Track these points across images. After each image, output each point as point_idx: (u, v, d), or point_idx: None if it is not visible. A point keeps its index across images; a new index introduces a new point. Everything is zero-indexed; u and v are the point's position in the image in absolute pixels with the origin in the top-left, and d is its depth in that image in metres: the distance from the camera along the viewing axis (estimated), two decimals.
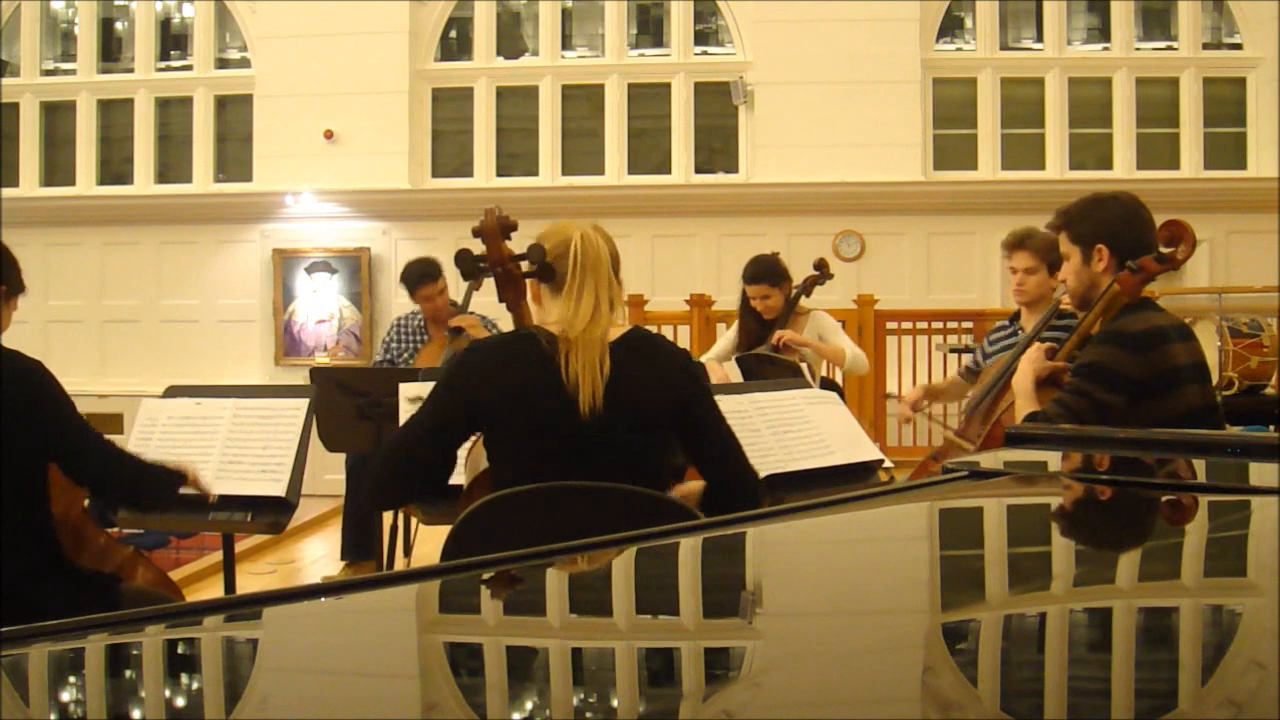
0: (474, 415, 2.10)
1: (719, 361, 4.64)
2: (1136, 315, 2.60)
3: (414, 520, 4.41)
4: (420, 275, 4.75)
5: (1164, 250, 2.66)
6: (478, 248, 2.24)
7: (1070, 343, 2.90)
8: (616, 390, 2.04)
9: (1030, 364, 2.83)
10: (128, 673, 0.86)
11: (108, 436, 2.51)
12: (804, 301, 4.66)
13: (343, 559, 5.02)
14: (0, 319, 2.51)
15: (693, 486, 2.23)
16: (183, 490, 2.61)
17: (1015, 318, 3.91)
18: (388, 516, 4.24)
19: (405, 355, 4.90)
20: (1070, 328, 3.70)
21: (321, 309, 8.34)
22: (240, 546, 5.02)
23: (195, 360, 8.15)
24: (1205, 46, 8.27)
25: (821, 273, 4.69)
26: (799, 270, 4.78)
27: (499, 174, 8.39)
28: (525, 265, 2.13)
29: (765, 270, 4.55)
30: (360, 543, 4.81)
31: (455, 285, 4.94)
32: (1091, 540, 1.22)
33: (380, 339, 5.30)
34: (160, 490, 2.57)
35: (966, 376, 4.00)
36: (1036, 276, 3.61)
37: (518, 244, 2.22)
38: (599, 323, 2.06)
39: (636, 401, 2.08)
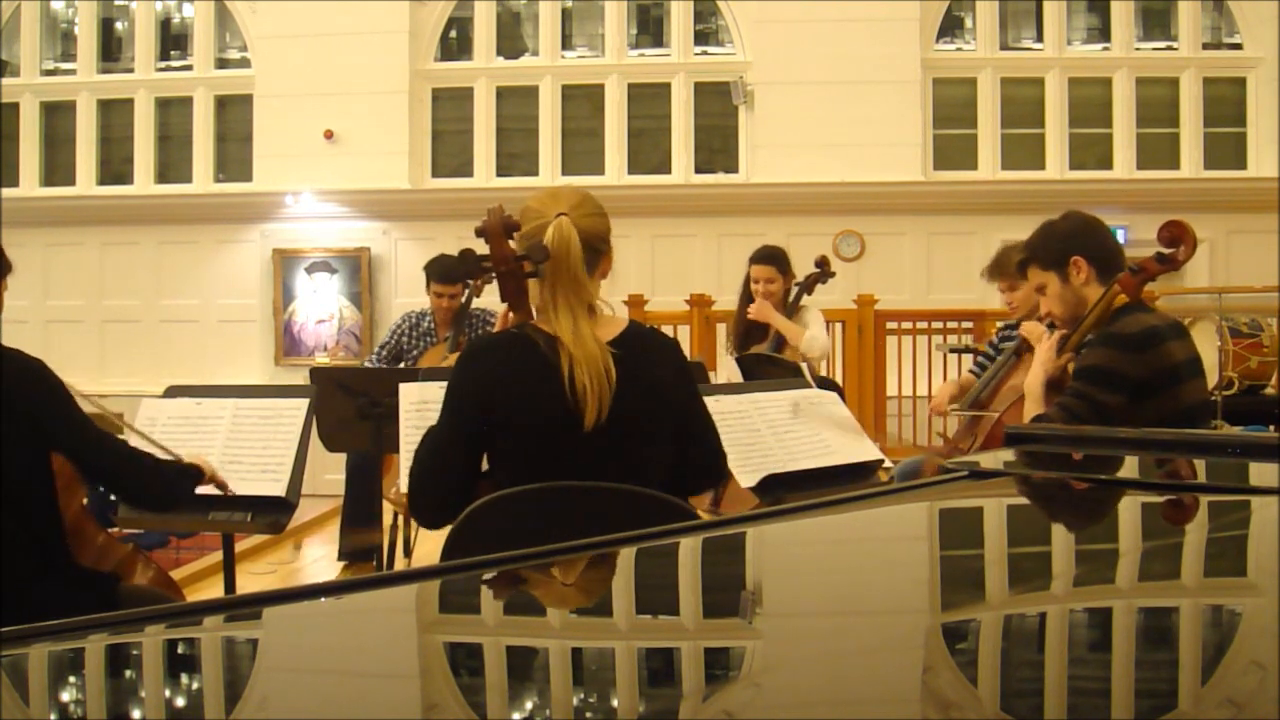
0: (488, 410, 2.06)
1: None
2: (1130, 317, 2.62)
3: (414, 521, 4.41)
4: (446, 271, 4.65)
5: (1165, 251, 2.67)
6: (480, 248, 2.22)
7: (1071, 341, 2.90)
8: (619, 400, 2.01)
9: (1042, 365, 2.83)
10: (128, 673, 0.86)
11: (119, 436, 2.50)
12: (804, 300, 4.65)
13: (340, 559, 4.99)
14: None
15: None
16: (200, 488, 2.57)
17: (1018, 323, 3.96)
18: (387, 517, 4.24)
19: (414, 353, 4.86)
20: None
21: (321, 309, 8.34)
22: (240, 546, 5.02)
23: (195, 360, 8.14)
24: (1205, 46, 8.27)
25: (823, 270, 4.69)
26: (801, 269, 4.78)
27: (499, 174, 8.39)
28: (528, 265, 2.11)
29: (772, 254, 4.58)
30: (358, 541, 4.79)
31: None
32: (1091, 540, 1.22)
33: (385, 330, 5.20)
34: (177, 488, 2.54)
35: (976, 372, 4.05)
36: (1021, 292, 3.75)
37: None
38: (583, 330, 2.03)
39: (638, 411, 2.05)
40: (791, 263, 4.63)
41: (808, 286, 4.65)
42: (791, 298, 4.62)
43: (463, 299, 4.74)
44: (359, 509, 4.76)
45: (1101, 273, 2.69)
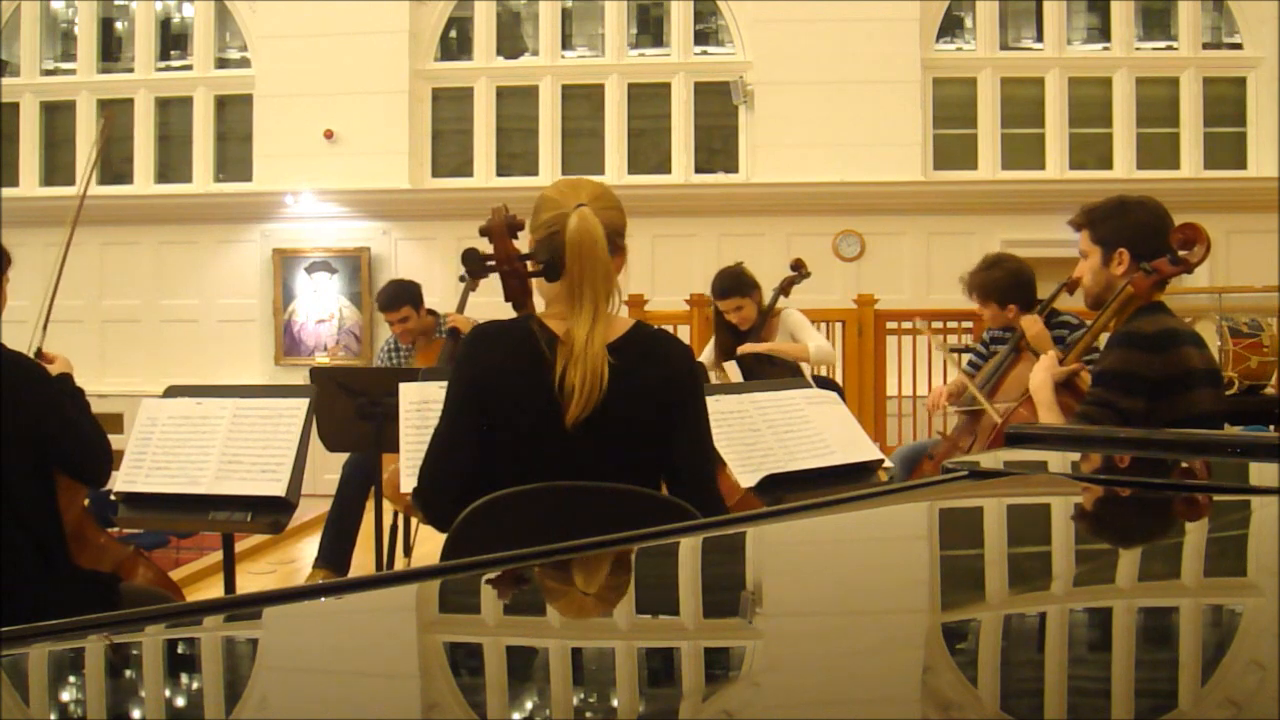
0: (485, 397, 2.06)
1: None
2: (1150, 317, 2.60)
3: (414, 520, 4.38)
4: (388, 300, 4.86)
5: (1179, 253, 2.66)
6: (484, 246, 2.22)
7: (1082, 343, 2.91)
8: (610, 399, 2.00)
9: (1046, 372, 2.82)
10: (128, 673, 0.86)
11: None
12: (780, 302, 4.62)
13: (316, 565, 4.68)
14: None
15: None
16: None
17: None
18: (387, 517, 4.22)
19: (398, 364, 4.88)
20: (1067, 324, 3.74)
21: (321, 309, 8.34)
22: (240, 546, 5.01)
23: (195, 360, 8.15)
24: (1205, 46, 8.28)
25: (799, 273, 4.66)
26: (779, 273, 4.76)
27: (499, 174, 8.40)
28: (531, 264, 2.11)
29: (733, 283, 4.51)
30: (338, 550, 4.61)
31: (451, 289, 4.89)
32: (1091, 540, 1.22)
33: (384, 334, 5.31)
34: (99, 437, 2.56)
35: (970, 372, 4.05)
36: (989, 310, 3.87)
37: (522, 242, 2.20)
38: (599, 328, 2.02)
39: (628, 411, 2.03)
40: (751, 275, 4.57)
41: (784, 289, 4.62)
42: (768, 302, 4.58)
43: (416, 320, 4.87)
44: (345, 514, 4.65)
45: (1138, 271, 2.65)
